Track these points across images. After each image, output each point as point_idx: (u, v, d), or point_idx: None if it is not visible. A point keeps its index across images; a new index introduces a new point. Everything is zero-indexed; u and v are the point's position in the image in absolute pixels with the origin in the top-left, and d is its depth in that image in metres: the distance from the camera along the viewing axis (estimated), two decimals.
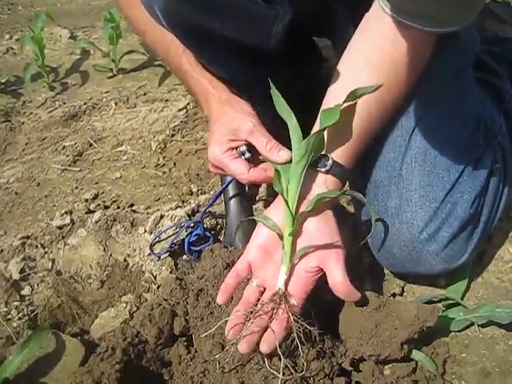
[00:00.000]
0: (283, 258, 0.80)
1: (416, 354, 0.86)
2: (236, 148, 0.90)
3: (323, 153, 0.83)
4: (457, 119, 0.96)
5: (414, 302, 0.89)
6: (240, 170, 0.88)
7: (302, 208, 0.80)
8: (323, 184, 0.82)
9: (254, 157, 0.92)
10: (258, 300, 0.80)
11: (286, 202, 0.80)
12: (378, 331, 0.81)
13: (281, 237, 0.81)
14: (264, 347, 0.74)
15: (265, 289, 0.82)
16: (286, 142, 0.86)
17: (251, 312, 0.78)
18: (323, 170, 0.82)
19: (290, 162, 0.85)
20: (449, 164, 0.91)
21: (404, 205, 0.91)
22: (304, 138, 0.82)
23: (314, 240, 0.79)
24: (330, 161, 0.82)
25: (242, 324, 0.77)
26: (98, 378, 0.82)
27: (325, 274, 0.79)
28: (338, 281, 0.77)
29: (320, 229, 0.80)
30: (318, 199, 0.79)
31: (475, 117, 0.99)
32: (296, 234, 0.80)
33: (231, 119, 0.90)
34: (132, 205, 1.30)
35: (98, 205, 1.30)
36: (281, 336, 0.75)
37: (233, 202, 1.09)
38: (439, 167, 0.91)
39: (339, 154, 0.83)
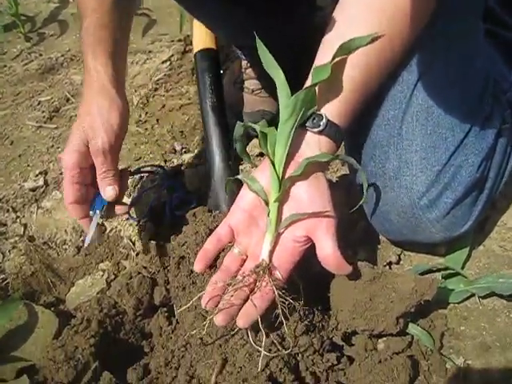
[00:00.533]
0: (268, 226, 0.74)
1: (412, 328, 0.81)
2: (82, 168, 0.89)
3: (316, 111, 0.75)
4: (463, 75, 0.87)
5: (412, 273, 0.84)
6: (67, 195, 0.88)
7: (291, 172, 0.73)
8: (316, 146, 0.75)
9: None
10: (240, 269, 0.76)
11: (273, 165, 0.73)
12: (373, 304, 0.76)
13: (266, 203, 0.74)
14: (241, 321, 0.69)
15: (247, 257, 0.77)
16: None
17: (230, 283, 0.73)
18: (316, 130, 0.74)
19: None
20: (453, 123, 0.84)
21: (403, 167, 0.84)
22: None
23: (303, 207, 0.73)
24: (324, 120, 0.74)
25: (220, 295, 0.72)
26: (72, 353, 0.77)
27: (313, 244, 0.73)
28: (328, 252, 0.71)
29: (310, 195, 0.74)
30: (308, 163, 0.72)
31: (483, 73, 0.91)
32: (283, 200, 0.74)
33: (89, 125, 0.87)
34: None
35: None
36: (261, 311, 0.70)
37: (218, 162, 1.02)
38: (443, 127, 0.83)
39: (334, 113, 0.75)
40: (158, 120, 1.40)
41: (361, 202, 0.82)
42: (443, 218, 0.84)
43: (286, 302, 0.71)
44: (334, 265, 0.72)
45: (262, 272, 0.72)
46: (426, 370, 0.78)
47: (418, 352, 0.80)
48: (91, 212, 0.91)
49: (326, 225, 0.72)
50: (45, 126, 1.41)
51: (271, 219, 0.74)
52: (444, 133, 0.83)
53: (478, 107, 0.88)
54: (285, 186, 0.73)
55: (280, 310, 0.70)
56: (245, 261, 0.77)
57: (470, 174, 0.84)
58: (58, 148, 1.32)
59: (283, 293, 0.71)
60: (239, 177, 0.79)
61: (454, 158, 0.83)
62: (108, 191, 0.88)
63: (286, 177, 0.74)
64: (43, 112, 1.45)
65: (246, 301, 0.72)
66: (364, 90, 0.78)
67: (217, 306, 0.71)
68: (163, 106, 1.44)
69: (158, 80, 1.52)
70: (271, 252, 0.73)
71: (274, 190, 0.74)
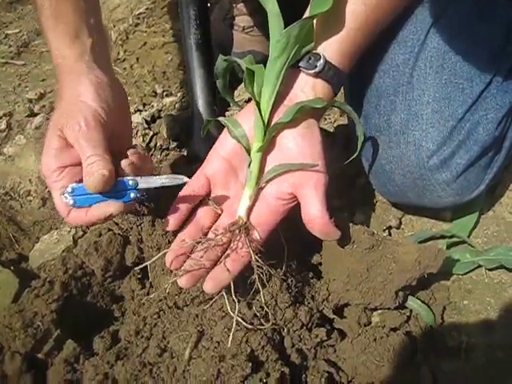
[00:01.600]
0: (248, 178, 0.68)
1: (411, 301, 0.76)
2: (65, 167, 0.68)
3: (312, 50, 0.69)
4: (486, 18, 0.80)
5: (414, 242, 0.78)
6: (59, 208, 0.69)
7: (279, 118, 0.67)
8: (311, 90, 0.69)
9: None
10: (213, 224, 0.71)
11: (258, 108, 0.66)
12: (370, 275, 0.72)
13: (248, 151, 0.68)
14: (209, 285, 0.64)
15: (223, 212, 0.71)
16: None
17: (200, 242, 0.67)
18: (311, 71, 0.68)
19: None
20: (472, 73, 0.77)
21: (412, 121, 0.78)
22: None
23: (290, 159, 0.67)
24: (322, 60, 0.68)
25: (187, 254, 0.67)
26: (30, 320, 0.71)
27: (299, 203, 0.67)
28: (314, 214, 0.65)
29: (299, 146, 0.67)
30: (299, 109, 0.66)
31: (506, 19, 0.83)
32: (267, 149, 0.68)
33: (64, 110, 0.69)
34: None
35: (44, 106, 1.17)
36: (233, 276, 0.65)
37: (201, 106, 0.95)
38: (460, 76, 0.77)
39: (333, 52, 0.69)
40: (137, 59, 1.32)
41: (354, 156, 0.76)
42: (454, 180, 0.78)
43: (264, 268, 0.65)
44: (320, 229, 0.66)
45: (237, 231, 0.66)
46: (424, 349, 0.73)
47: (416, 328, 0.75)
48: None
49: (315, 182, 0.66)
50: (12, 63, 1.34)
51: (252, 171, 0.67)
52: (461, 83, 0.77)
53: (501, 56, 0.80)
54: (270, 134, 0.67)
55: (256, 276, 0.65)
56: (220, 216, 0.71)
57: (488, 131, 0.77)
58: (26, 87, 1.24)
59: (260, 257, 0.65)
60: (220, 119, 0.72)
61: (471, 112, 0.77)
62: (90, 179, 0.64)
63: (273, 123, 0.67)
64: (10, 47, 1.37)
65: (217, 263, 0.66)
66: (370, 29, 0.71)
67: (181, 265, 0.66)
68: (144, 44, 1.36)
69: (139, 14, 1.43)
70: (250, 209, 0.67)
71: (258, 137, 0.67)
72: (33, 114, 1.12)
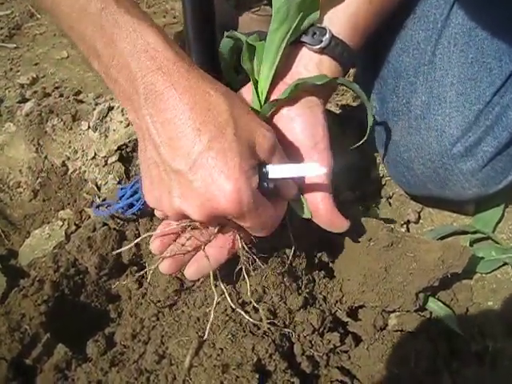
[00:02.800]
0: None
1: (431, 302, 0.72)
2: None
3: (318, 24, 0.64)
4: None
5: (434, 237, 0.77)
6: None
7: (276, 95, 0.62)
8: (316, 67, 0.64)
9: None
10: None
11: (255, 85, 0.62)
12: (388, 276, 0.68)
13: None
14: (189, 271, 0.61)
15: None
16: None
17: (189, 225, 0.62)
18: (317, 47, 0.63)
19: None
20: (502, 51, 0.73)
21: (434, 104, 0.74)
22: None
23: (290, 141, 0.62)
24: (328, 35, 0.63)
25: (173, 238, 0.63)
26: (17, 323, 0.68)
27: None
28: (317, 202, 0.61)
29: (300, 127, 0.62)
30: (297, 85, 0.61)
31: None
32: None
33: (245, 126, 0.52)
34: (78, 92, 1.13)
35: (36, 92, 1.12)
36: (217, 263, 0.61)
37: None
38: (488, 54, 0.73)
39: (341, 26, 0.65)
40: None
41: (362, 141, 0.70)
42: (480, 170, 0.74)
43: (250, 259, 0.61)
44: (324, 219, 0.62)
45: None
46: (445, 354, 0.69)
47: (437, 332, 0.71)
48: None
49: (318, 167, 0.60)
50: (3, 46, 1.30)
51: None
52: (489, 62, 0.73)
53: None
54: (266, 112, 0.62)
55: (243, 266, 0.61)
56: None
57: None
58: (18, 72, 1.20)
59: (249, 247, 0.61)
60: None
61: (500, 94, 0.73)
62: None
63: (270, 100, 0.63)
64: (2, 29, 1.34)
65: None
66: (384, 1, 0.67)
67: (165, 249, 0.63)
68: None
69: None
70: None
71: None
72: (24, 100, 1.07)
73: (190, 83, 0.50)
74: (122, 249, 0.71)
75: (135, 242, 0.69)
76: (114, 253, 0.73)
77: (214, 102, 0.50)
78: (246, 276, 0.62)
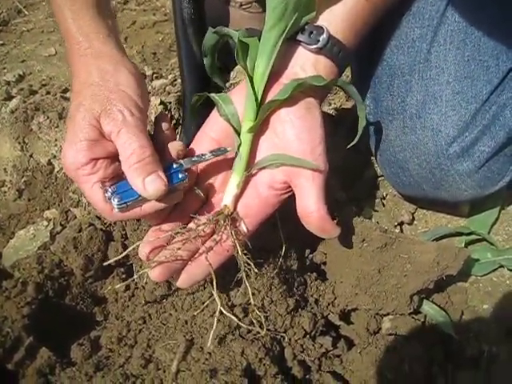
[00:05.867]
0: (236, 163, 0.62)
1: (425, 305, 0.71)
2: (98, 159, 0.59)
3: (314, 23, 0.64)
4: None
5: (429, 239, 0.77)
6: (100, 204, 0.60)
7: (273, 95, 0.61)
8: (312, 67, 0.63)
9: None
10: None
11: (251, 83, 0.60)
12: (382, 278, 0.67)
13: (237, 132, 0.62)
14: (181, 279, 0.60)
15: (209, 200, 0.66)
16: None
17: (180, 232, 0.61)
18: (313, 47, 0.63)
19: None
20: (498, 49, 0.72)
21: (430, 103, 0.73)
22: None
23: (285, 143, 0.61)
24: (325, 35, 0.62)
25: (164, 244, 0.61)
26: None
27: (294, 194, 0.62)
28: (310, 208, 0.60)
29: (297, 130, 0.61)
30: (297, 85, 0.60)
31: None
32: (260, 131, 0.63)
33: (94, 98, 0.60)
34: (66, 90, 1.11)
35: (22, 89, 1.10)
36: (211, 270, 0.60)
37: (192, 89, 0.88)
38: (485, 52, 0.72)
39: (338, 26, 0.64)
40: (126, 38, 1.29)
41: (354, 141, 0.68)
42: (476, 171, 0.74)
43: (250, 265, 0.60)
44: (315, 225, 0.61)
45: (222, 221, 0.60)
46: (440, 358, 0.68)
47: (431, 335, 0.70)
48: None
49: (312, 172, 0.60)
50: None
51: (241, 155, 0.61)
52: (486, 60, 0.72)
53: None
54: (264, 113, 0.61)
55: (244, 274, 0.59)
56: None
57: None
58: (4, 69, 1.18)
59: (246, 254, 0.59)
60: (210, 95, 0.66)
61: (497, 93, 0.72)
62: (150, 183, 0.57)
63: (267, 101, 0.61)
64: None
65: (193, 255, 0.61)
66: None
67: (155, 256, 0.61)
68: (133, 23, 1.33)
69: None
70: (237, 197, 0.62)
71: (249, 115, 0.61)
72: (10, 98, 1.05)
73: None
74: (111, 260, 0.68)
75: (125, 253, 0.65)
76: (105, 264, 0.70)
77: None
78: (245, 281, 0.59)
